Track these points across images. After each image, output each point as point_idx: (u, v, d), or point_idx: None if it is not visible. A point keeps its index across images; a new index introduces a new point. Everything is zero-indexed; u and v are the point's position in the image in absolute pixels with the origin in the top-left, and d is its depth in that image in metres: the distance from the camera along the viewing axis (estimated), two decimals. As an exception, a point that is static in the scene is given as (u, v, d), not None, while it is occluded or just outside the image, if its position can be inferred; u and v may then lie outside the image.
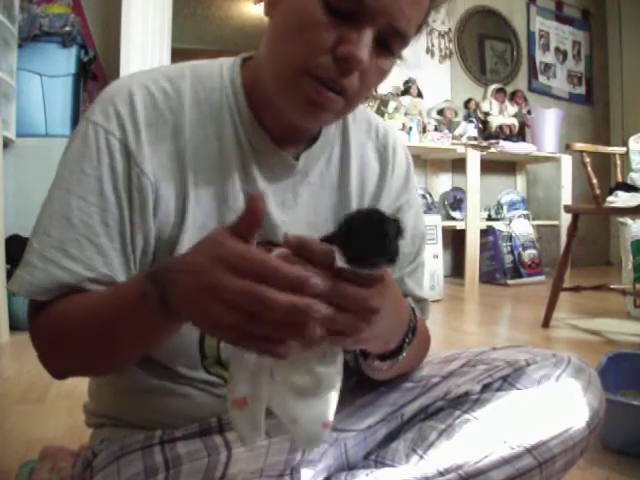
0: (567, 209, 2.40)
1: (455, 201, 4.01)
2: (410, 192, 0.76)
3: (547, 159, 4.16)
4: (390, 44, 0.55)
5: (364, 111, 0.75)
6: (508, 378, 0.66)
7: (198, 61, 0.66)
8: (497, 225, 3.83)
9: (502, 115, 4.03)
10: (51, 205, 0.57)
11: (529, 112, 4.15)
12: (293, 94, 0.56)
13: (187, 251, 0.46)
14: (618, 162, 2.58)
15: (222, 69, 0.64)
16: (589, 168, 2.41)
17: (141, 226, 0.58)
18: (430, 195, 3.88)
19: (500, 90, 4.08)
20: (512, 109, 4.09)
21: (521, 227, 3.87)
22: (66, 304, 0.55)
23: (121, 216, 0.58)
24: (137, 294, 0.47)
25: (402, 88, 3.79)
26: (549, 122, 4.06)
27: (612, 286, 2.41)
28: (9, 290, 0.57)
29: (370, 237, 0.41)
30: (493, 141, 3.74)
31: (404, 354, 0.59)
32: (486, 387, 0.66)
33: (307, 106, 0.55)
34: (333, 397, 0.47)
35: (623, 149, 2.69)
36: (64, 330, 0.55)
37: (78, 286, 0.56)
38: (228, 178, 0.62)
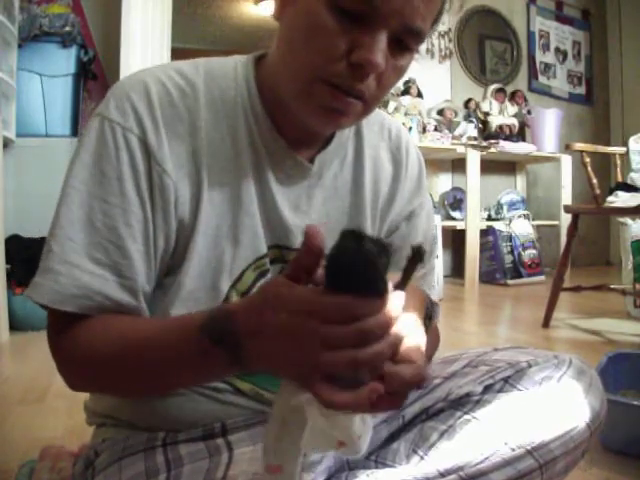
0: (567, 209, 2.40)
1: (455, 201, 4.01)
2: (423, 194, 0.75)
3: (547, 159, 4.16)
4: (405, 43, 0.53)
5: (376, 112, 0.74)
6: (509, 379, 0.66)
7: (210, 58, 0.64)
8: (497, 225, 3.83)
9: (502, 115, 4.03)
10: (70, 209, 0.54)
11: (529, 112, 4.15)
12: (310, 102, 0.55)
13: (246, 304, 0.45)
14: (618, 162, 2.58)
15: (236, 68, 0.63)
16: (589, 168, 2.41)
17: (163, 227, 0.57)
18: (430, 195, 3.87)
19: (500, 90, 4.08)
20: (512, 109, 4.09)
21: (521, 227, 3.87)
22: (101, 325, 0.54)
23: (144, 217, 0.56)
24: (197, 352, 0.46)
25: (402, 88, 3.79)
26: (549, 122, 4.06)
27: (612, 286, 2.42)
28: (30, 299, 0.54)
29: (358, 278, 0.39)
30: (493, 141, 3.74)
31: None
32: (487, 388, 0.66)
33: (325, 112, 0.55)
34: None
35: (623, 149, 2.69)
36: (96, 352, 0.53)
37: (104, 292, 0.54)
38: (242, 180, 0.61)
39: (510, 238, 3.81)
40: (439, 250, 3.30)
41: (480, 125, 3.97)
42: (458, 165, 4.01)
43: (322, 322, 0.39)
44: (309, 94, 0.54)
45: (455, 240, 4.01)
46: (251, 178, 0.61)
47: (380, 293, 0.40)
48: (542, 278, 3.82)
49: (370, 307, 0.39)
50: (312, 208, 0.66)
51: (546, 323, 2.37)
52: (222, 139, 0.60)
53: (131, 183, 0.55)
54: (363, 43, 0.50)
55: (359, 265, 0.38)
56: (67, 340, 0.55)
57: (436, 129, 3.71)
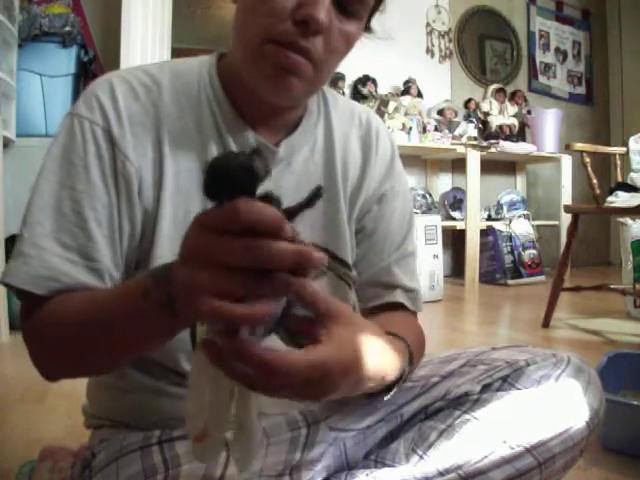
0: (567, 209, 2.40)
1: (455, 201, 4.01)
2: (394, 178, 0.75)
3: (547, 159, 4.16)
4: (349, 7, 0.57)
5: (346, 101, 0.76)
6: (508, 378, 0.66)
7: (176, 59, 0.68)
8: (497, 225, 3.83)
9: (502, 115, 4.03)
10: (41, 198, 0.58)
11: (529, 112, 4.15)
12: (260, 63, 0.57)
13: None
14: (618, 162, 2.58)
15: (199, 65, 0.66)
16: (589, 168, 2.41)
17: (127, 212, 0.60)
18: (430, 195, 3.89)
19: (500, 90, 4.09)
20: (512, 109, 4.10)
21: (521, 227, 3.87)
22: (62, 300, 0.55)
23: (109, 201, 0.59)
24: (139, 293, 0.46)
25: (402, 88, 3.79)
26: (549, 122, 4.06)
27: (612, 286, 2.41)
28: (2, 284, 0.56)
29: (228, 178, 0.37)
30: (493, 141, 3.74)
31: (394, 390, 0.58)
32: (486, 387, 0.66)
33: (275, 71, 0.57)
34: None
35: (623, 149, 2.69)
36: (59, 324, 0.54)
37: (72, 274, 0.56)
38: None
39: (510, 238, 3.81)
40: (439, 250, 3.30)
41: (480, 125, 3.97)
42: (458, 165, 4.01)
43: (203, 232, 0.38)
44: (261, 56, 0.57)
45: (455, 240, 4.01)
46: None
47: (250, 192, 0.38)
48: (542, 278, 3.82)
49: (244, 206, 0.36)
50: (282, 194, 0.66)
51: (546, 323, 2.37)
52: (187, 129, 0.62)
53: (97, 171, 0.58)
54: (307, 1, 0.54)
55: (229, 167, 0.37)
56: (34, 322, 0.56)
57: (436, 129, 3.72)
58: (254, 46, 0.57)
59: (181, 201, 0.61)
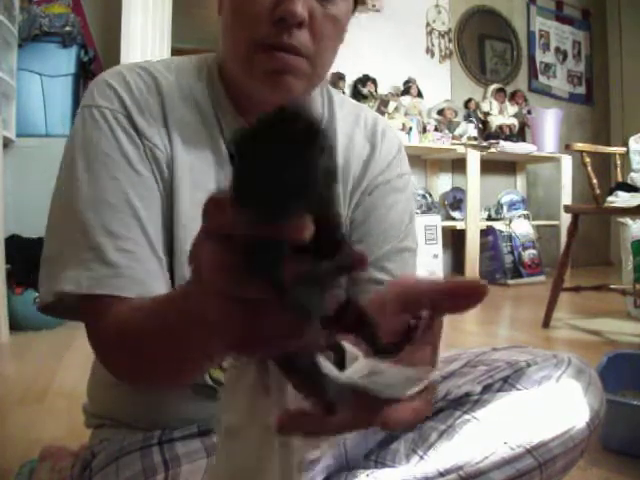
0: (567, 209, 2.40)
1: (455, 201, 4.01)
2: (392, 172, 0.74)
3: (547, 159, 4.16)
4: None
5: (353, 104, 0.76)
6: (508, 379, 0.66)
7: (181, 57, 0.68)
8: (497, 225, 3.83)
9: (502, 115, 4.03)
10: (82, 194, 0.55)
11: (529, 112, 4.15)
12: (253, 71, 0.57)
13: None
14: (618, 162, 2.58)
15: (201, 62, 0.66)
16: (589, 168, 2.40)
17: (164, 195, 0.59)
18: (430, 195, 3.88)
19: (500, 90, 4.09)
20: (512, 109, 4.10)
21: (521, 227, 3.87)
22: (126, 309, 0.51)
23: (152, 186, 0.58)
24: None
25: (402, 88, 3.79)
26: (549, 122, 4.06)
27: (612, 286, 2.41)
28: (61, 293, 0.52)
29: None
30: (493, 141, 3.74)
31: None
32: (486, 388, 0.66)
33: (269, 77, 0.56)
34: None
35: (623, 149, 2.69)
36: (129, 338, 0.50)
37: (132, 265, 0.53)
38: (221, 167, 0.63)
39: (510, 238, 3.80)
40: (439, 250, 3.30)
41: (480, 125, 3.97)
42: (458, 165, 4.01)
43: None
44: (251, 64, 0.56)
45: (455, 240, 4.01)
46: (226, 163, 0.63)
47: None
48: (542, 278, 3.82)
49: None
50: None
51: (546, 323, 2.37)
52: (193, 124, 0.62)
53: (135, 157, 0.58)
54: None
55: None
56: (99, 336, 0.54)
57: (436, 129, 3.72)
58: (242, 55, 0.57)
59: (197, 197, 0.60)
